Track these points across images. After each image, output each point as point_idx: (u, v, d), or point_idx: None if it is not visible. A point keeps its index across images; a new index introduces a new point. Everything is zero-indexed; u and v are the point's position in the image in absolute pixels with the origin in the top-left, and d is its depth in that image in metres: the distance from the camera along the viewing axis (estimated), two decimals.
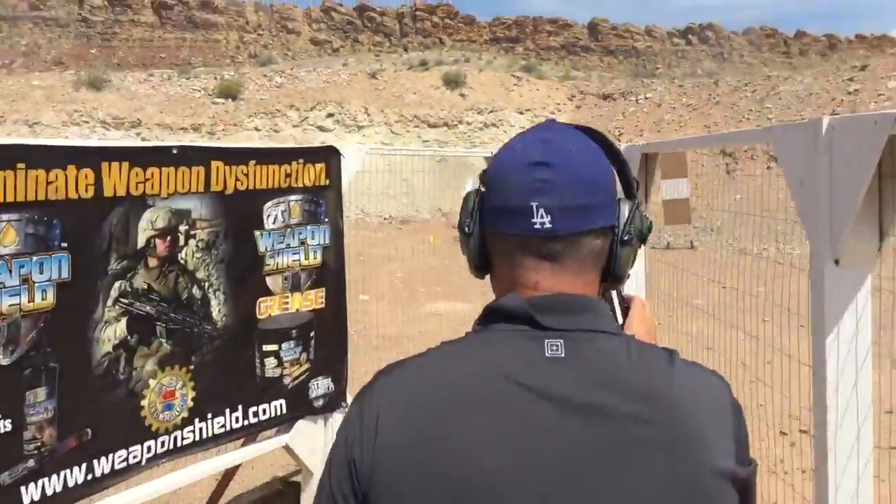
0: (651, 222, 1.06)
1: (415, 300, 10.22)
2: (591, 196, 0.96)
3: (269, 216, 2.92)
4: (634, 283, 3.18)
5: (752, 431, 0.97)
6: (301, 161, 3.02)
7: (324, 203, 3.12)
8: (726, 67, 58.16)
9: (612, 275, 1.01)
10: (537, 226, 0.94)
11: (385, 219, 20.10)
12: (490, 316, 0.96)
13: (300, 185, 3.02)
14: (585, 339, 0.92)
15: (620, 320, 1.16)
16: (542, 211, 0.93)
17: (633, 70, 48.32)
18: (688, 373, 0.93)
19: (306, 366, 3.08)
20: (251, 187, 2.83)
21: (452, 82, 28.78)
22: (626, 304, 1.19)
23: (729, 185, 16.53)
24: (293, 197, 3.00)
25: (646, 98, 25.03)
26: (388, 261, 12.61)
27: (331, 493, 0.91)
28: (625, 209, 0.99)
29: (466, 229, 1.02)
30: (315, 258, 3.10)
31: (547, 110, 27.02)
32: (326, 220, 3.13)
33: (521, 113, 27.07)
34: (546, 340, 0.91)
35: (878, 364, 1.96)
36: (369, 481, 0.88)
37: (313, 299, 3.10)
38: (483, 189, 1.02)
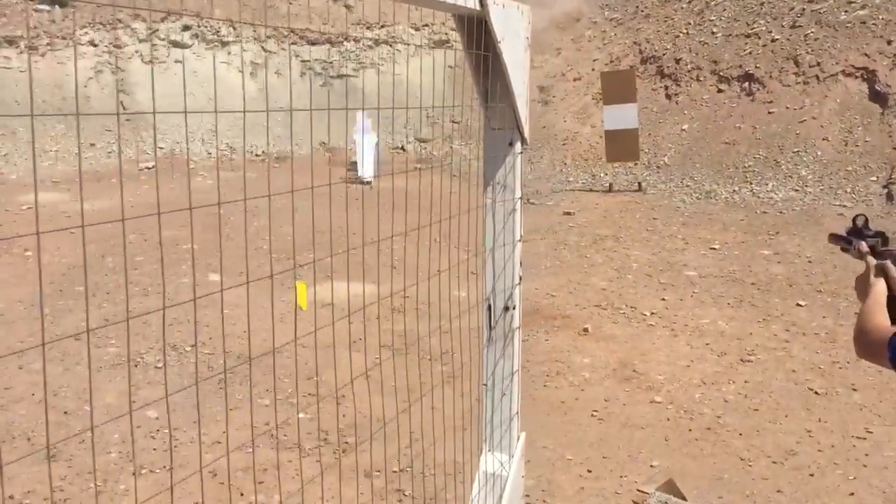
0: None
1: (294, 281, 6.91)
2: None
3: None
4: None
5: None
6: None
7: None
8: None
9: None
10: None
11: (257, 155, 16.40)
12: None
13: None
14: None
15: None
16: None
17: None
18: None
19: None
20: None
21: None
22: None
23: (672, 114, 13.90)
24: None
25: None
26: (254, 216, 9.15)
27: None
28: None
29: None
30: None
31: (448, 26, 23.54)
32: None
33: (418, 29, 23.44)
34: None
35: None
36: None
37: None
38: None
